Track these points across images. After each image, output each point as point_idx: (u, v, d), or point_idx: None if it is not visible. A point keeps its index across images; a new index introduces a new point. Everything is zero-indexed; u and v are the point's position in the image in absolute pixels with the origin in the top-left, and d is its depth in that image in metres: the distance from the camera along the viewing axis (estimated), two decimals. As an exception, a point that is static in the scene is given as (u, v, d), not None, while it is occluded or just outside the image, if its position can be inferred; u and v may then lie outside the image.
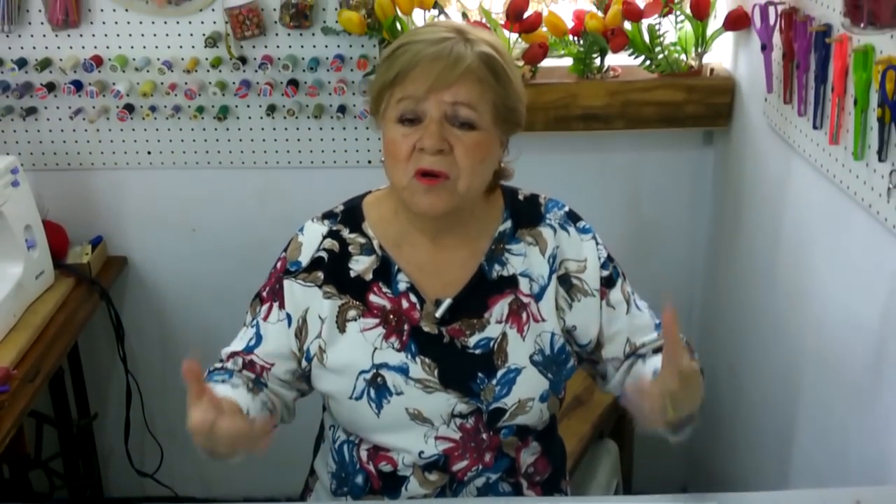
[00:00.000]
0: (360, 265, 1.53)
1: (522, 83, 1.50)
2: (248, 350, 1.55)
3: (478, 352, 1.51)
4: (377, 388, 1.49)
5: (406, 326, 1.51)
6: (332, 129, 2.45)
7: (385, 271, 1.52)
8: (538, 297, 1.53)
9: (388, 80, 1.42)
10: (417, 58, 1.40)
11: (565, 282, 1.54)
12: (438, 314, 1.51)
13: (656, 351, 1.55)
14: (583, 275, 1.55)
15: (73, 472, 2.59)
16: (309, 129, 2.45)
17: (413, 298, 1.51)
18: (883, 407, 1.61)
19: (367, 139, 2.45)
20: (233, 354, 1.56)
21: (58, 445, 2.56)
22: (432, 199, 1.43)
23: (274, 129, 2.45)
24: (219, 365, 1.57)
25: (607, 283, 1.56)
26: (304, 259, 1.53)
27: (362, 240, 1.54)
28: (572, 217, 1.58)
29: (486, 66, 1.41)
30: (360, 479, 1.57)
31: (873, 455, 1.65)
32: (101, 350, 2.68)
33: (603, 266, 1.56)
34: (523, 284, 1.53)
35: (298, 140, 2.46)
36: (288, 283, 1.53)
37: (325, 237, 1.54)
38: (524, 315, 1.52)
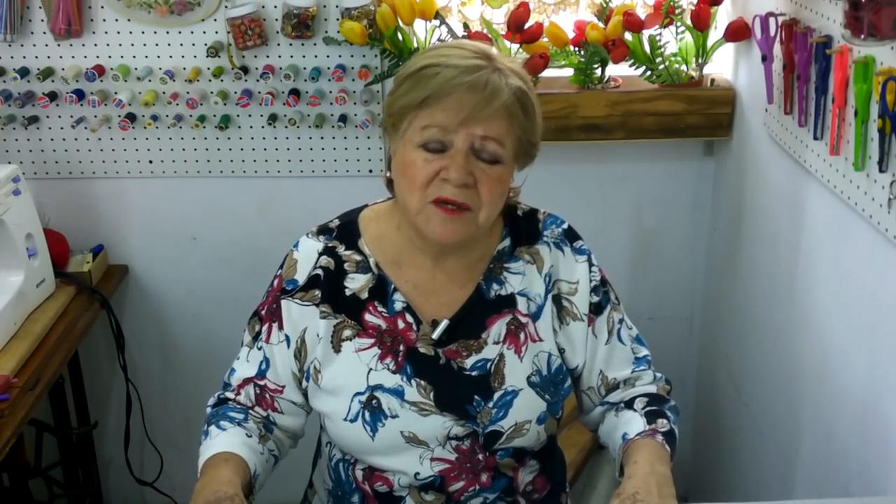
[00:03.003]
0: (356, 283, 1.50)
1: (540, 117, 1.47)
2: (261, 374, 1.53)
3: (474, 374, 1.49)
4: (372, 411, 1.47)
5: (402, 347, 1.48)
6: (334, 138, 2.45)
7: (381, 290, 1.50)
8: (535, 317, 1.51)
9: (415, 101, 1.38)
10: (451, 85, 1.36)
11: (557, 302, 1.53)
12: (435, 335, 1.49)
13: (628, 404, 1.53)
14: (573, 297, 1.53)
15: (72, 481, 2.59)
16: (310, 138, 2.45)
17: (409, 319, 1.49)
18: (884, 417, 1.61)
19: (368, 149, 2.45)
20: (246, 381, 1.54)
21: (58, 454, 2.56)
22: (449, 229, 1.41)
23: (275, 138, 2.46)
24: (231, 395, 1.55)
25: (595, 309, 1.54)
26: (301, 277, 1.51)
27: (358, 257, 1.51)
28: (569, 236, 1.55)
29: (518, 101, 1.39)
30: (356, 499, 1.56)
31: (874, 467, 1.65)
32: (102, 358, 2.68)
33: (594, 291, 1.53)
34: (521, 304, 1.51)
35: (300, 149, 2.46)
36: (285, 303, 1.51)
37: (320, 254, 1.51)
38: (522, 335, 1.50)
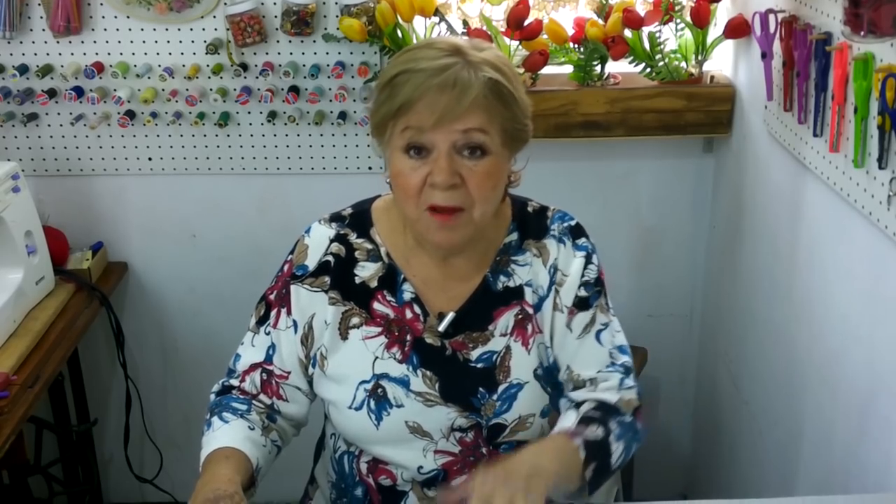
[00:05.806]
0: (366, 272, 1.51)
1: (526, 95, 1.45)
2: (269, 360, 1.53)
3: (480, 366, 1.49)
4: (377, 400, 1.48)
5: (409, 337, 1.49)
6: (333, 135, 2.45)
7: (391, 280, 1.51)
8: (537, 308, 1.51)
9: (391, 111, 1.38)
10: (422, 88, 1.35)
11: (556, 294, 1.52)
12: (441, 328, 1.49)
13: (578, 405, 1.48)
14: (561, 289, 1.51)
15: (72, 478, 2.59)
16: (310, 135, 2.45)
17: (417, 309, 1.50)
18: (884, 415, 1.61)
19: (368, 146, 2.45)
20: (252, 368, 1.54)
21: (57, 451, 2.56)
22: (448, 235, 1.41)
23: (275, 135, 2.45)
24: (235, 382, 1.55)
25: (579, 304, 1.51)
26: (311, 263, 1.52)
27: (369, 246, 1.52)
28: (574, 232, 1.54)
29: (492, 93, 1.37)
30: (359, 492, 1.56)
31: (874, 463, 1.65)
32: (101, 356, 2.68)
33: (584, 286, 1.51)
34: (528, 295, 1.51)
35: (299, 147, 2.46)
36: (295, 289, 1.51)
37: (332, 241, 1.52)
38: (529, 327, 1.50)
